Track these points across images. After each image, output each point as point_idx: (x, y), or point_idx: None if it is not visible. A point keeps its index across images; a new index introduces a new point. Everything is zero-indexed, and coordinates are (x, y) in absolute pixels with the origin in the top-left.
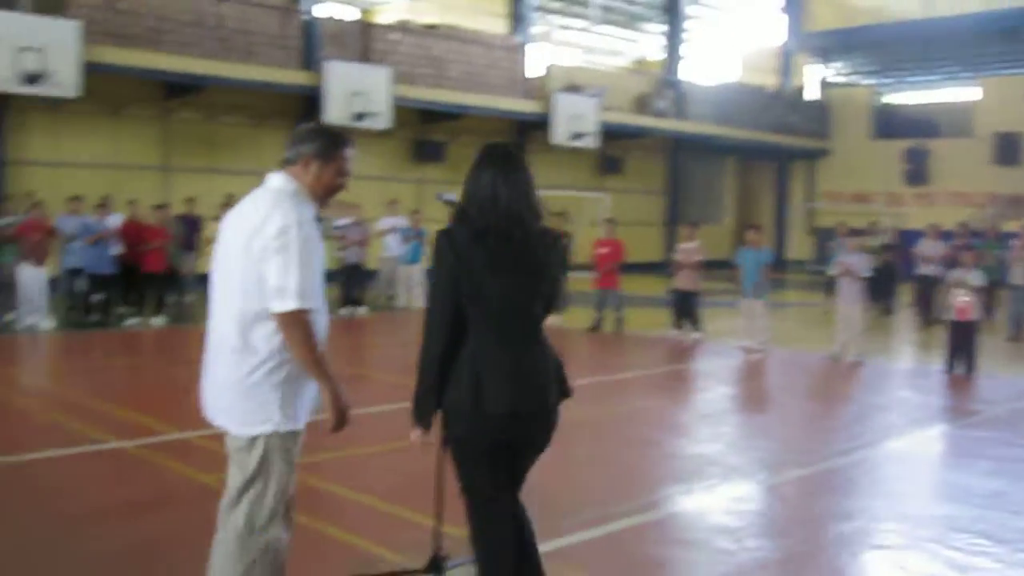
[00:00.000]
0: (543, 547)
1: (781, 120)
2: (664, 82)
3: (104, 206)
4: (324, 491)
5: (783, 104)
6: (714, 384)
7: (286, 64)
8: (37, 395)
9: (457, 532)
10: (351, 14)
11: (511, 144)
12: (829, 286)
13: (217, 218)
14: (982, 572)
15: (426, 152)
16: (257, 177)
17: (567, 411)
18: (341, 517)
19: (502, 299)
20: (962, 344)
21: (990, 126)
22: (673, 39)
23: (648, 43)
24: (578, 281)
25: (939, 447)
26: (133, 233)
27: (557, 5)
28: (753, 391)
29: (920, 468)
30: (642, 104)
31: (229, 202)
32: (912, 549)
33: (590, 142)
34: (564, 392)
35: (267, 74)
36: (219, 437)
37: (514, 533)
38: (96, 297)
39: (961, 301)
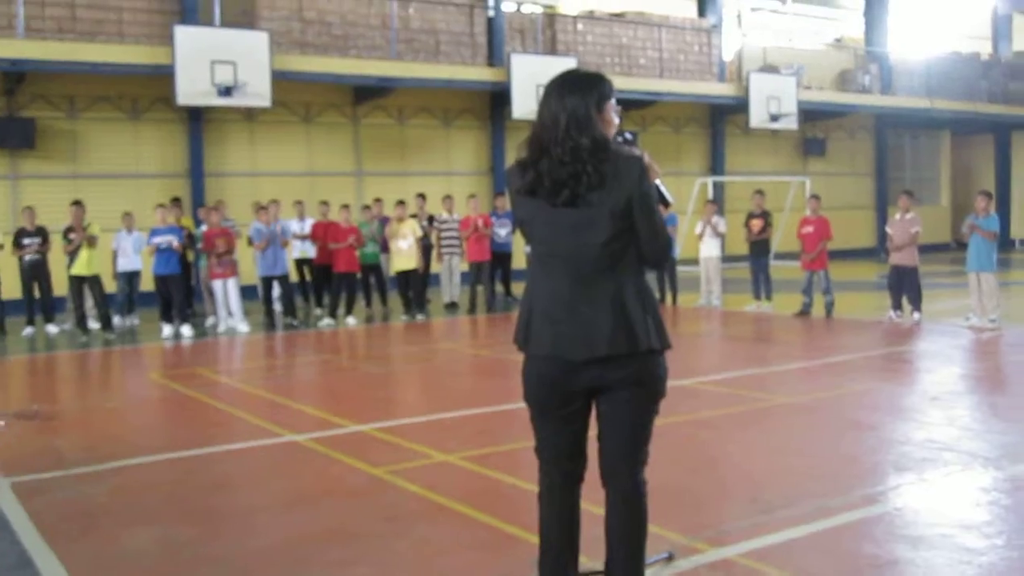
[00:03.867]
0: (751, 544)
1: (999, 89)
2: (867, 56)
3: (299, 210)
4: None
5: (1000, 71)
6: (941, 365)
7: (472, 61)
8: (226, 393)
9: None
10: (536, 7)
11: (587, 71)
12: None
13: (414, 216)
14: None
15: (636, 146)
16: (447, 177)
17: (772, 395)
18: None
19: (548, 234)
20: None
21: None
22: (875, 11)
23: (848, 19)
24: (785, 270)
25: None
26: (322, 233)
27: None
28: (988, 371)
29: None
30: (844, 81)
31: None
32: None
33: (790, 123)
34: (635, 341)
35: (453, 72)
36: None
37: (556, 517)
38: (276, 298)
39: None
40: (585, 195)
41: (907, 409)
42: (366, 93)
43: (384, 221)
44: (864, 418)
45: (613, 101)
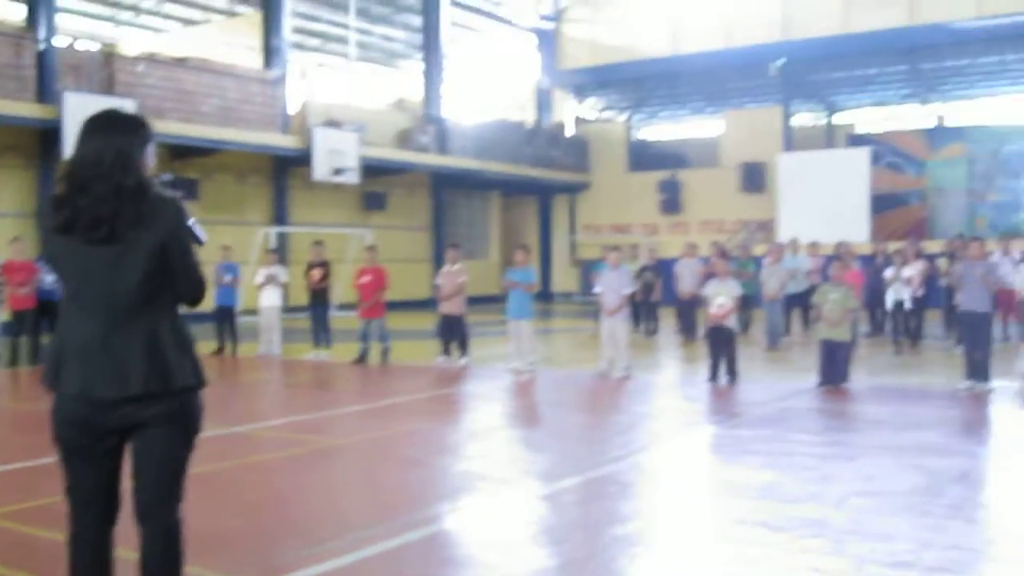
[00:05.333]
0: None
1: (542, 155)
2: (425, 117)
3: None
4: None
5: (543, 139)
6: (483, 404)
7: (19, 96)
8: None
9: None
10: (92, 45)
11: (128, 112)
12: (597, 312)
13: None
14: (763, 561)
15: (178, 190)
16: None
17: (327, 437)
18: None
19: (82, 271)
20: (722, 351)
21: (735, 156)
22: (432, 76)
23: (408, 81)
24: (346, 319)
25: (709, 446)
26: None
27: (315, 42)
28: (522, 408)
29: (692, 467)
30: (404, 140)
31: None
32: (691, 545)
33: (352, 178)
34: (168, 379)
35: None
36: None
37: (86, 562)
38: None
39: (718, 306)
40: (123, 234)
41: (449, 445)
42: None
43: None
44: (411, 454)
45: (152, 145)
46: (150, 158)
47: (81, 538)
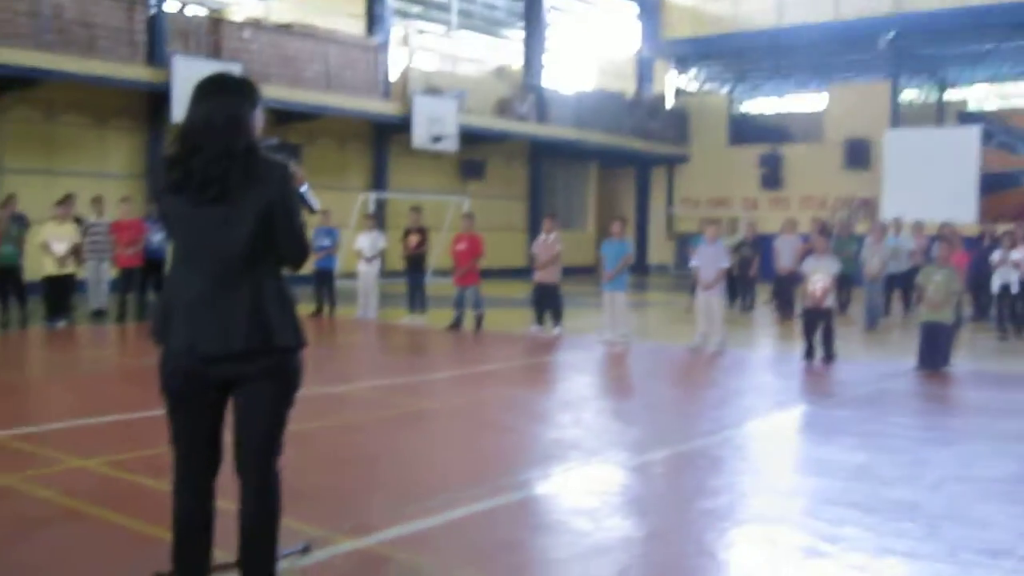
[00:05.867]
0: (389, 534)
1: (641, 126)
2: (525, 86)
3: None
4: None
5: (642, 110)
6: (575, 374)
7: (131, 59)
8: None
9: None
10: (200, 10)
11: (238, 75)
12: (693, 286)
13: (55, 218)
14: (853, 541)
15: (285, 153)
16: (100, 179)
17: (420, 400)
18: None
19: (192, 230)
20: (819, 329)
21: (839, 132)
22: (533, 45)
23: (509, 49)
24: (441, 286)
25: (802, 425)
26: None
27: (417, 9)
28: (614, 380)
29: (785, 445)
30: (503, 108)
31: (65, 201)
32: (781, 522)
33: (450, 145)
34: (270, 338)
35: (109, 69)
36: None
37: (190, 510)
38: None
39: (816, 285)
40: (232, 194)
41: (541, 413)
42: (9, 84)
43: (21, 220)
44: (502, 421)
45: (260, 108)
46: (259, 121)
47: (185, 486)
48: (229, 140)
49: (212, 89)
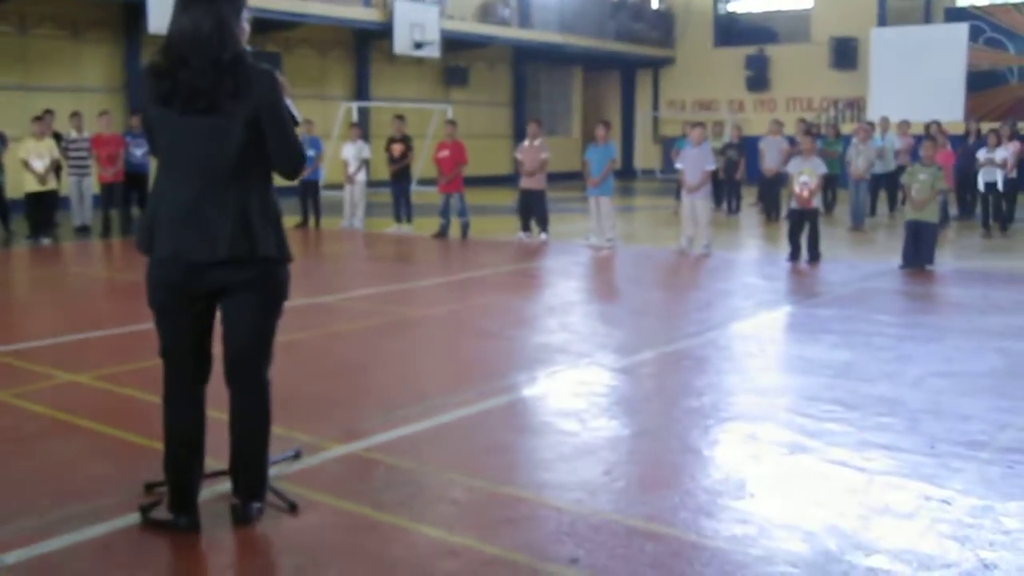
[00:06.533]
0: (378, 439)
1: (626, 29)
2: None
3: None
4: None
5: (627, 12)
6: (561, 279)
7: None
8: None
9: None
10: None
11: None
12: (678, 189)
13: (34, 135)
14: (835, 436)
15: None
16: (77, 94)
17: (407, 308)
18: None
19: (178, 141)
20: (805, 230)
21: (826, 31)
22: None
23: None
24: (427, 194)
25: (787, 325)
26: None
27: None
28: (600, 284)
29: (769, 345)
30: (486, 13)
31: (43, 117)
32: (764, 419)
33: (433, 51)
34: (254, 247)
35: None
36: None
37: (181, 420)
38: None
39: (801, 184)
40: (220, 105)
41: (527, 318)
42: None
43: (1, 138)
44: (488, 327)
45: (246, 12)
46: (245, 26)
47: (175, 396)
48: (217, 51)
49: None
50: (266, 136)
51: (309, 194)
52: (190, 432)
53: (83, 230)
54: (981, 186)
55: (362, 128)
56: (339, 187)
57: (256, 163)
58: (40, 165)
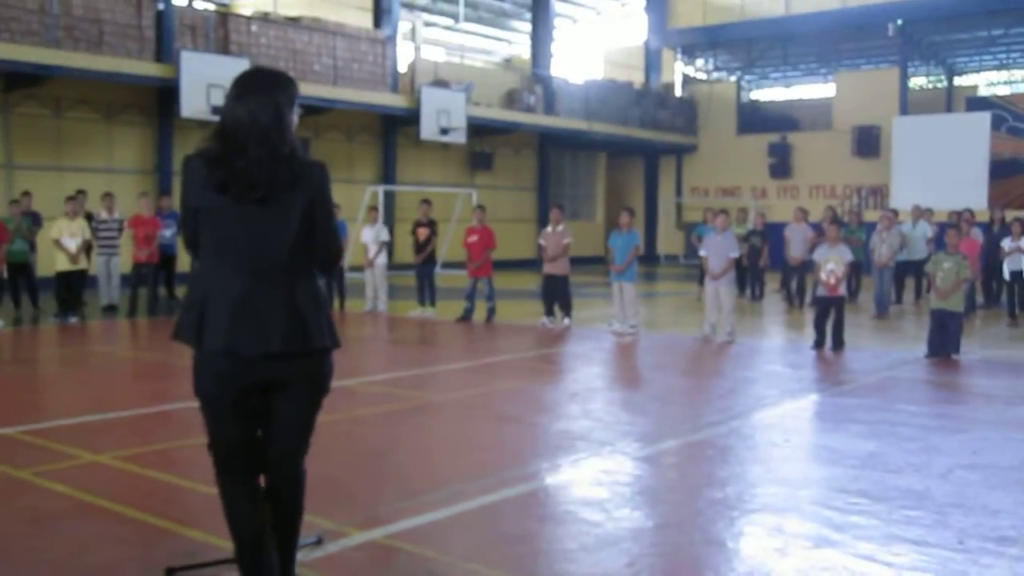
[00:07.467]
0: (399, 526)
1: (649, 116)
2: (532, 77)
3: None
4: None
5: (651, 100)
6: (584, 365)
7: (139, 55)
8: None
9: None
10: (208, 4)
11: (277, 69)
12: (702, 275)
13: (66, 215)
14: (862, 529)
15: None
16: (108, 175)
17: (428, 393)
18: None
19: (231, 230)
20: (830, 318)
21: (848, 120)
22: (540, 36)
23: (516, 41)
24: (451, 278)
25: (811, 414)
26: None
27: (424, 1)
28: (623, 370)
29: (794, 434)
30: (511, 100)
31: (75, 197)
32: (789, 511)
33: (459, 137)
34: (308, 340)
35: (117, 64)
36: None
37: (244, 517)
38: None
39: (828, 272)
40: (277, 195)
41: (550, 404)
42: (18, 80)
43: (35, 217)
44: (511, 412)
45: (298, 103)
46: (295, 118)
47: (233, 492)
48: (275, 141)
49: (254, 85)
50: (316, 228)
51: (334, 276)
52: (253, 524)
53: (110, 309)
54: (1007, 275)
55: (387, 212)
56: (361, 269)
57: (306, 254)
58: (72, 244)
